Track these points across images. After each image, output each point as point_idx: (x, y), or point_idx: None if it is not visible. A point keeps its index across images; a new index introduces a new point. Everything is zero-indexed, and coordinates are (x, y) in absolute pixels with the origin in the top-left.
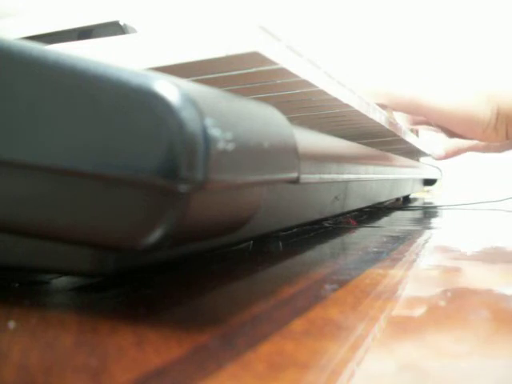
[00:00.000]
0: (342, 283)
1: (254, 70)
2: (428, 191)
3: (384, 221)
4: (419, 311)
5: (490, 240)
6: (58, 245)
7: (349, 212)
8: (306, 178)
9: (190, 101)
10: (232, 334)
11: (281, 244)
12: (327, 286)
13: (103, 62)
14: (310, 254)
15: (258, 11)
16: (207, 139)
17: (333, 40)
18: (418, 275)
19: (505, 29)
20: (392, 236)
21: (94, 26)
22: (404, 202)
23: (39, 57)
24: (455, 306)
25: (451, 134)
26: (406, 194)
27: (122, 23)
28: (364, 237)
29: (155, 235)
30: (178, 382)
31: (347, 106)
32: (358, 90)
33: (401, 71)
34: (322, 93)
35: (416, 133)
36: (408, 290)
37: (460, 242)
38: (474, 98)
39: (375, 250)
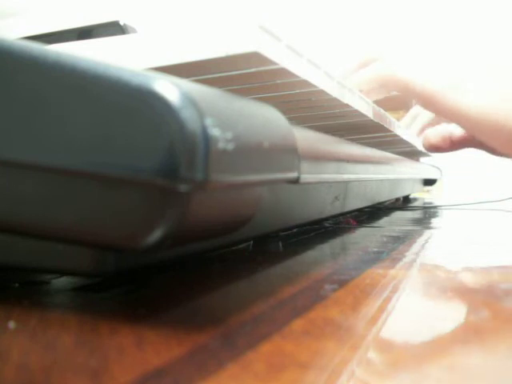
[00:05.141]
0: (342, 283)
1: (254, 69)
2: (428, 191)
3: (384, 221)
4: (419, 311)
5: (490, 240)
6: (58, 245)
7: (349, 212)
8: (306, 177)
9: (189, 101)
10: (232, 334)
11: (281, 244)
12: (327, 286)
13: (103, 61)
14: (310, 254)
15: (258, 11)
16: (207, 139)
17: (333, 40)
18: (418, 275)
19: None
20: (392, 236)
21: (93, 26)
22: (404, 202)
23: (39, 57)
24: (455, 305)
25: (485, 147)
26: (406, 193)
27: (122, 23)
28: (364, 237)
29: (155, 235)
30: (177, 382)
31: (347, 106)
32: (357, 76)
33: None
34: (322, 93)
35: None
36: (408, 290)
37: (460, 242)
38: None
39: (375, 249)
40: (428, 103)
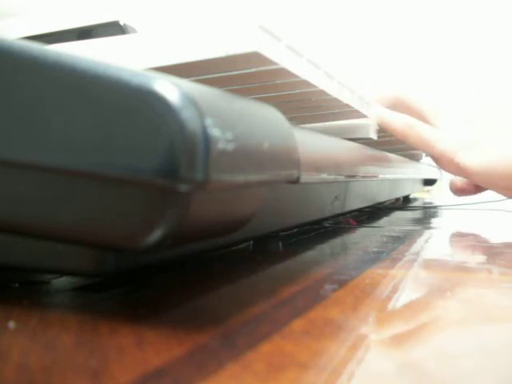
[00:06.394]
0: (342, 283)
1: (254, 70)
2: (428, 191)
3: (384, 221)
4: (419, 311)
5: (490, 240)
6: (58, 245)
7: (349, 212)
8: (306, 178)
9: (190, 101)
10: (232, 334)
11: (281, 244)
12: (327, 286)
13: (103, 61)
14: (310, 254)
15: (258, 11)
16: (207, 139)
17: (333, 40)
18: (418, 275)
19: None
20: (392, 236)
21: (93, 26)
22: (404, 202)
23: (39, 57)
24: (455, 305)
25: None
26: (405, 193)
27: (122, 23)
28: (364, 237)
29: (155, 235)
30: (177, 382)
31: (347, 106)
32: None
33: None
34: (322, 93)
35: None
36: (408, 290)
37: (460, 241)
38: None
39: (375, 249)
40: (440, 162)
